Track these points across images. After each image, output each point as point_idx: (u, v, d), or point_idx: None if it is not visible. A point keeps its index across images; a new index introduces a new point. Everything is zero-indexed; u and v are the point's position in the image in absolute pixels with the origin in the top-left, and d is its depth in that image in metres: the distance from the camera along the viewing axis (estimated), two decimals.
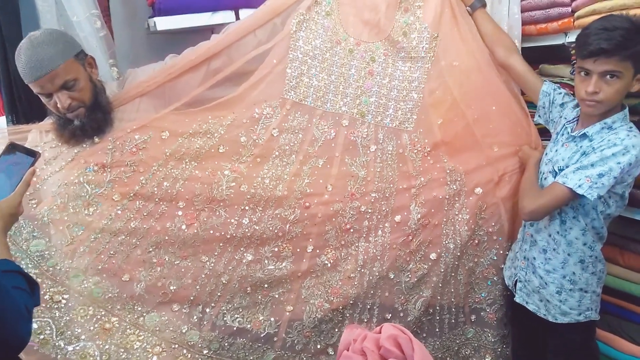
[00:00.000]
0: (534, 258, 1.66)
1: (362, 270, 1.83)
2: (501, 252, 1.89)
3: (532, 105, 1.85)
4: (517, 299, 1.74)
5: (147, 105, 1.72)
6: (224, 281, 1.74)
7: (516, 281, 1.76)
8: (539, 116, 1.76)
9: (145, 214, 1.66)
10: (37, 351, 1.59)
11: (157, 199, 1.67)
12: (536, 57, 1.99)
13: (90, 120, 1.59)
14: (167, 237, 1.68)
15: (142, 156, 1.66)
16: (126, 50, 2.13)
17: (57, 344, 1.60)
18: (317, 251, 1.80)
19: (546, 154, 1.67)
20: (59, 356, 1.60)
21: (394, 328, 1.68)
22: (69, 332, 1.61)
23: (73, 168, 1.63)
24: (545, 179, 1.63)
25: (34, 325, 1.56)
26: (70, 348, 1.61)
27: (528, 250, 1.69)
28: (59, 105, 1.53)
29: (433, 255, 1.85)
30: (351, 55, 1.82)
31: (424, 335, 1.94)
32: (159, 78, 1.72)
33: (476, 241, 1.87)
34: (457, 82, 1.83)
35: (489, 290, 1.92)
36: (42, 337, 1.59)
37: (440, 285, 1.87)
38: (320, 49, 1.80)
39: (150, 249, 1.67)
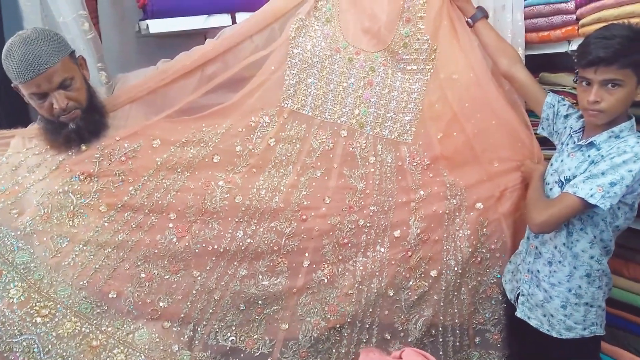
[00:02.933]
0: (538, 271, 1.61)
1: (360, 287, 1.76)
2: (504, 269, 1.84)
3: (533, 114, 1.82)
4: (519, 314, 1.68)
5: (138, 112, 1.64)
6: (216, 297, 1.65)
7: (518, 295, 1.70)
8: (542, 128, 1.72)
9: (134, 225, 1.57)
10: None
11: (146, 210, 1.58)
12: (537, 64, 1.96)
13: (88, 122, 1.51)
14: (156, 251, 1.59)
15: (131, 165, 1.57)
16: (115, 54, 2.05)
17: None
18: (314, 266, 1.73)
19: (551, 164, 1.63)
20: None
21: (417, 354, 1.59)
22: (54, 351, 1.50)
23: (57, 177, 1.53)
24: (550, 189, 1.59)
25: (21, 343, 1.46)
26: None
27: (532, 262, 1.64)
28: (55, 105, 1.44)
29: (434, 273, 1.80)
30: (350, 64, 1.77)
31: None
32: (150, 83, 1.64)
33: (479, 259, 1.82)
34: (456, 96, 1.80)
35: (493, 309, 1.87)
36: (29, 354, 1.48)
37: (442, 304, 1.82)
38: (319, 56, 1.74)
39: (139, 263, 1.58)
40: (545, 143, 1.83)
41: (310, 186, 1.73)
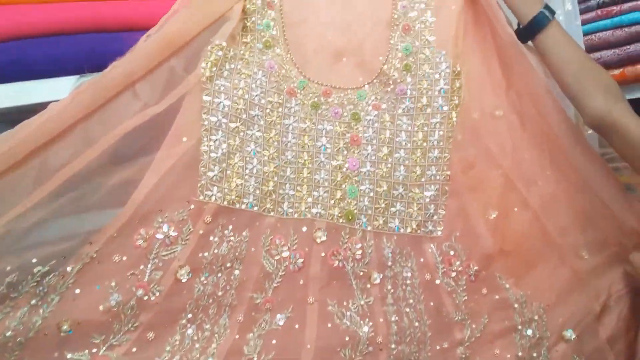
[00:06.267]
0: None
1: None
2: None
3: None
4: None
5: None
6: None
7: None
8: None
9: None
10: None
11: None
12: None
13: None
14: None
15: None
16: None
17: None
18: None
19: None
20: None
21: None
22: None
23: None
24: None
25: None
26: None
27: None
28: None
29: None
30: (317, 114, 1.01)
31: None
32: None
33: None
34: (505, 144, 1.06)
35: None
36: None
37: None
38: (260, 106, 0.98)
39: None
40: None
41: (268, 345, 0.92)
